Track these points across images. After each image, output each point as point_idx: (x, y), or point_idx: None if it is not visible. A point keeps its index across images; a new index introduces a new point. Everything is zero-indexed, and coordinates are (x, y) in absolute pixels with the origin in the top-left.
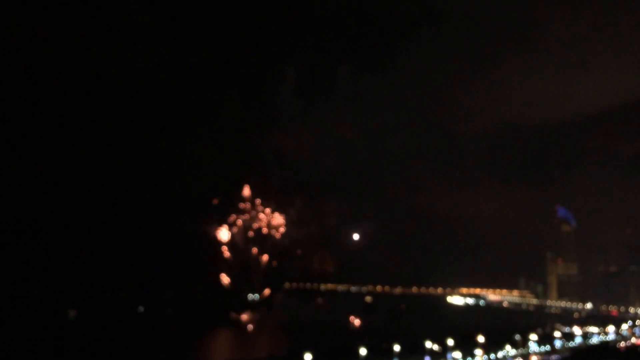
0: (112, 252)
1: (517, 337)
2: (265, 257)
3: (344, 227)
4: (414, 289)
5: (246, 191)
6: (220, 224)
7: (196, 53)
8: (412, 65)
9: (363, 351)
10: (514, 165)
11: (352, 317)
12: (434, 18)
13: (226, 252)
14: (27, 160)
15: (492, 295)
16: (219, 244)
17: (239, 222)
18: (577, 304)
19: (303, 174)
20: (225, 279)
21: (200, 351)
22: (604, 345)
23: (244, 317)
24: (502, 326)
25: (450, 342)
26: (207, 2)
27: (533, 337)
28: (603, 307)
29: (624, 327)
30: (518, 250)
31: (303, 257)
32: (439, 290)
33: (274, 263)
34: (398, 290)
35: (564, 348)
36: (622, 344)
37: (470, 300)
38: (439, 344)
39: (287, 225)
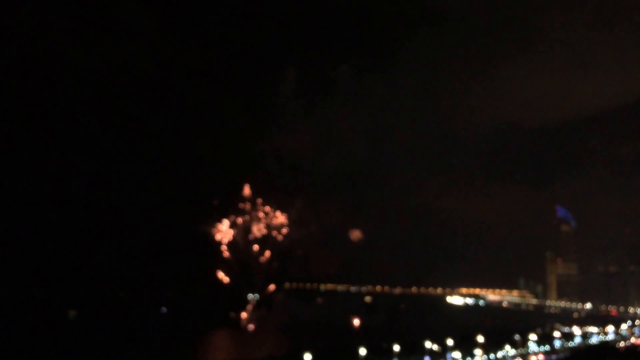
0: (112, 252)
1: (517, 337)
2: (265, 258)
3: (344, 227)
4: (414, 289)
5: (246, 191)
6: (220, 224)
7: (197, 54)
8: (413, 65)
9: (363, 351)
10: (513, 165)
11: (352, 318)
12: (435, 18)
13: (226, 252)
14: (28, 160)
15: (492, 295)
16: (219, 243)
17: (239, 221)
18: (577, 304)
19: (303, 174)
20: (224, 278)
21: (200, 351)
22: (603, 345)
23: (244, 316)
24: (502, 326)
25: (449, 342)
26: (208, 3)
27: (532, 337)
28: (602, 307)
29: (624, 327)
30: (518, 250)
31: (303, 257)
32: (439, 290)
33: (275, 263)
34: (398, 290)
35: (563, 348)
36: (622, 343)
37: (469, 300)
38: (438, 344)
39: (287, 225)
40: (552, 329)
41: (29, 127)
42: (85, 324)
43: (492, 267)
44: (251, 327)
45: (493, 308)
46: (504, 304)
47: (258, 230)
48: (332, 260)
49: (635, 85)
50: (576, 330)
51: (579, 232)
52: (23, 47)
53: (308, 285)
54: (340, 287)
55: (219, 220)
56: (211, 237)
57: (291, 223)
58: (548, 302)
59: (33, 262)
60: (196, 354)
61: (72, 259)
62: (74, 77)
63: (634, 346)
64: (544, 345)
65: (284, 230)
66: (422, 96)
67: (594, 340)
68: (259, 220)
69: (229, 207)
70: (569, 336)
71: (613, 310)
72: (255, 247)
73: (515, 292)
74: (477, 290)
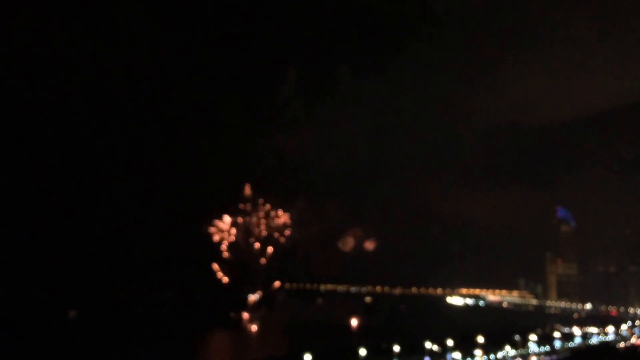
0: (112, 253)
1: (517, 337)
2: (265, 258)
3: (344, 227)
4: (414, 290)
5: (247, 191)
6: (221, 225)
7: (198, 54)
8: (414, 66)
9: (363, 351)
10: (513, 165)
11: (353, 318)
12: (435, 19)
13: (226, 253)
14: (28, 160)
15: (492, 296)
16: (219, 244)
17: (240, 221)
18: (577, 304)
19: (304, 174)
20: (224, 278)
21: (200, 351)
22: (603, 345)
23: (245, 316)
24: (502, 327)
25: (449, 342)
26: (209, 4)
27: (532, 337)
28: (602, 308)
29: (624, 327)
30: (518, 250)
31: (304, 258)
32: (439, 290)
33: (275, 264)
34: (398, 290)
35: (563, 348)
36: (622, 344)
37: (469, 301)
38: (438, 344)
39: (288, 225)
40: (552, 330)
41: (29, 127)
42: (86, 324)
43: (492, 268)
44: (252, 327)
45: (493, 308)
46: (504, 305)
47: (259, 230)
48: (333, 260)
49: (635, 85)
50: (576, 330)
51: (579, 233)
52: (24, 47)
53: (308, 285)
54: (341, 288)
55: (220, 221)
56: (211, 238)
57: (292, 223)
58: (548, 303)
59: (33, 262)
60: (196, 354)
61: (72, 260)
62: (75, 77)
63: (634, 347)
64: (544, 345)
65: (285, 231)
66: (423, 97)
67: (594, 340)
68: (259, 220)
69: (230, 208)
70: (569, 337)
71: (613, 310)
72: (256, 246)
73: (515, 293)
74: (477, 291)
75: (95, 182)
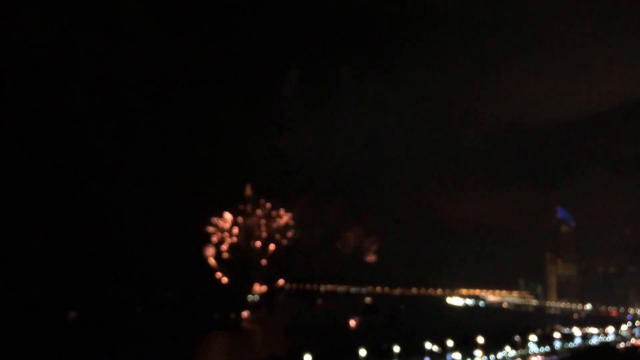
0: (112, 253)
1: (517, 338)
2: (265, 258)
3: (345, 228)
4: (414, 290)
5: (248, 192)
6: (221, 225)
7: (199, 55)
8: (414, 66)
9: (363, 352)
10: (513, 166)
11: (351, 318)
12: (435, 19)
13: (226, 253)
14: (28, 160)
15: (492, 296)
16: (220, 244)
17: (240, 221)
18: (577, 304)
19: (305, 175)
20: (223, 279)
21: (200, 352)
22: (603, 346)
23: (245, 317)
24: (502, 327)
25: (449, 343)
26: (210, 5)
27: (532, 338)
28: (602, 308)
29: (624, 328)
30: (518, 251)
31: (304, 258)
32: (439, 291)
33: (275, 264)
34: (398, 291)
35: (563, 349)
36: (622, 344)
37: (469, 301)
38: (438, 344)
39: (289, 226)
40: (552, 330)
41: (30, 127)
42: (85, 325)
43: (492, 268)
44: (252, 328)
45: (493, 309)
46: (504, 305)
47: (259, 230)
48: (333, 261)
49: (636, 86)
50: (576, 331)
51: (579, 233)
52: (25, 48)
53: (308, 286)
54: (341, 288)
55: (221, 219)
56: (212, 238)
57: (293, 224)
58: (548, 303)
59: (33, 262)
60: (196, 355)
61: (72, 260)
62: (75, 77)
63: (634, 347)
64: (544, 346)
65: (286, 231)
66: (423, 97)
67: (594, 341)
68: (260, 220)
69: (231, 208)
70: (569, 337)
71: (613, 311)
72: (257, 246)
73: (515, 293)
74: (477, 291)
75: (95, 182)
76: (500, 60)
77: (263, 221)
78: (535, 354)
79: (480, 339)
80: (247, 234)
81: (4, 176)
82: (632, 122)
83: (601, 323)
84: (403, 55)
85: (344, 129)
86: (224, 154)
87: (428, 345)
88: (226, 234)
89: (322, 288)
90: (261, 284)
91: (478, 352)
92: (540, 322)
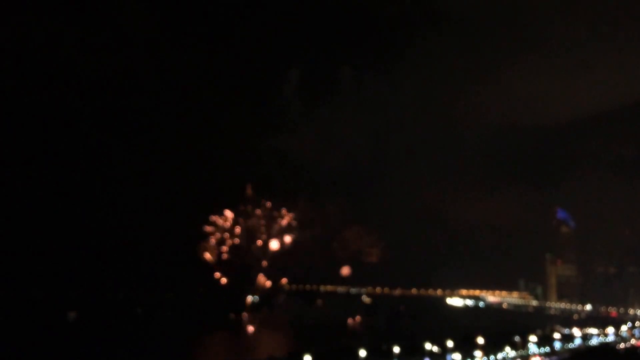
0: (112, 254)
1: (517, 338)
2: (266, 259)
3: (345, 228)
4: (414, 291)
5: (249, 192)
6: (222, 225)
7: (201, 55)
8: (415, 67)
9: (363, 352)
10: (513, 166)
11: (351, 319)
12: (436, 20)
13: (226, 254)
14: (29, 160)
15: (492, 297)
16: (220, 244)
17: (241, 222)
18: (577, 305)
19: (306, 175)
20: (222, 279)
21: (200, 352)
22: (603, 346)
23: (245, 317)
24: (502, 328)
25: (449, 343)
26: (211, 5)
27: (532, 338)
28: (602, 309)
29: (624, 328)
30: (517, 252)
31: (304, 259)
32: (439, 291)
33: (275, 264)
34: (398, 291)
35: (563, 349)
36: (622, 345)
37: (469, 302)
38: (438, 345)
39: (289, 226)
40: (552, 331)
41: (30, 127)
42: (85, 325)
43: (492, 269)
44: (251, 328)
45: (493, 309)
46: (504, 306)
47: (259, 231)
48: (334, 261)
49: (636, 86)
50: (576, 331)
51: (579, 234)
52: (25, 48)
53: (308, 286)
54: (340, 289)
55: (221, 218)
56: (211, 238)
57: (293, 225)
58: (548, 304)
59: (33, 262)
60: (196, 355)
61: (72, 260)
62: (77, 77)
63: (634, 348)
64: (544, 346)
65: (286, 232)
66: (424, 97)
67: (594, 341)
68: (260, 221)
69: (231, 208)
70: (569, 338)
71: (613, 311)
72: (257, 246)
73: (515, 294)
74: (477, 292)
75: (96, 183)
76: (500, 60)
77: (263, 221)
78: (535, 355)
79: (480, 340)
80: (248, 233)
81: (4, 176)
82: (632, 122)
83: (601, 324)
84: (403, 55)
85: (344, 129)
86: (224, 154)
87: (428, 345)
88: (227, 234)
89: (322, 288)
90: (260, 285)
91: (478, 353)
92: (540, 323)
